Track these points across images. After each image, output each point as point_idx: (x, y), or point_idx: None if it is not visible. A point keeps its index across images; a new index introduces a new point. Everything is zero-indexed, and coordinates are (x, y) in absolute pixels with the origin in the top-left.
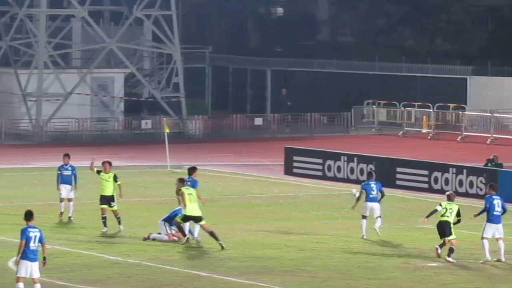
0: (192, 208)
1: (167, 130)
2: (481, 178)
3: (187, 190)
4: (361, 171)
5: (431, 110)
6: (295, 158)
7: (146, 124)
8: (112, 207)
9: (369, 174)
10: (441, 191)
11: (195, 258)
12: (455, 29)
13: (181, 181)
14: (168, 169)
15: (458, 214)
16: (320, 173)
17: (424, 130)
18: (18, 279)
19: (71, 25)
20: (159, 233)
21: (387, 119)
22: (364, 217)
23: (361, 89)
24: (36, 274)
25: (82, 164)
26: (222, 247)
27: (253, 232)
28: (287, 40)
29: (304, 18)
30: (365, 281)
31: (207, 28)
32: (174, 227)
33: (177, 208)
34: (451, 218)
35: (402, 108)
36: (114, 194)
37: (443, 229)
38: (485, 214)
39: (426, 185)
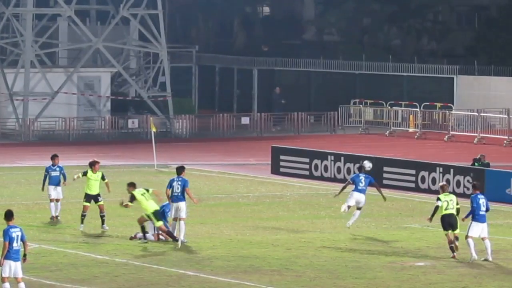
0: (152, 204)
1: (153, 130)
2: (468, 178)
3: (139, 192)
4: (348, 170)
5: (417, 110)
6: (282, 157)
7: (133, 123)
8: (99, 201)
9: (360, 168)
10: (428, 191)
11: (182, 258)
12: (441, 28)
13: (131, 185)
14: (155, 168)
15: (457, 203)
16: (307, 173)
17: (411, 130)
18: (3, 279)
19: (57, 24)
20: (147, 232)
21: (373, 119)
22: (348, 207)
23: (348, 88)
24: (20, 274)
25: (69, 163)
26: (179, 243)
27: (240, 232)
28: (273, 39)
29: (290, 17)
30: (352, 280)
31: (193, 28)
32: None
33: (164, 204)
34: (454, 210)
35: (389, 107)
36: (100, 192)
37: (450, 222)
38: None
39: (413, 185)
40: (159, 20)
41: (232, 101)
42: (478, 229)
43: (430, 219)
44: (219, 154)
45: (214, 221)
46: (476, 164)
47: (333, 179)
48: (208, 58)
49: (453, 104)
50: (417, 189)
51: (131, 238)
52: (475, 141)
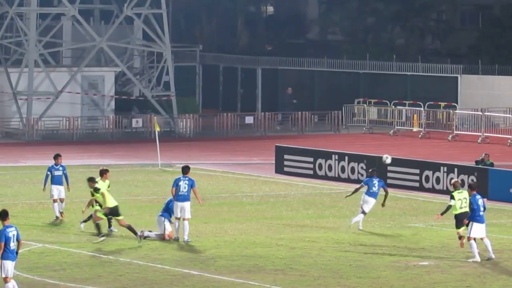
0: (113, 200)
1: (157, 129)
2: (472, 177)
3: (105, 185)
4: (352, 170)
5: (421, 109)
6: (286, 156)
7: (137, 122)
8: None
9: (372, 172)
10: (432, 190)
11: (186, 257)
12: (445, 27)
13: (91, 180)
14: (159, 167)
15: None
16: (311, 172)
17: (415, 129)
18: (6, 280)
19: (61, 23)
20: (150, 231)
21: (377, 118)
22: (364, 213)
23: (352, 87)
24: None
25: (73, 163)
26: (139, 239)
27: (243, 231)
28: (277, 38)
29: (294, 16)
30: (356, 279)
31: (197, 27)
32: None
33: (168, 199)
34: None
35: (393, 106)
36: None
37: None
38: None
39: (417, 184)
40: (163, 19)
41: (236, 100)
42: (479, 230)
43: (442, 214)
44: (223, 153)
45: (218, 220)
46: (478, 165)
47: (337, 179)
48: (212, 58)
49: (457, 103)
50: (421, 189)
51: (140, 237)
52: (479, 141)
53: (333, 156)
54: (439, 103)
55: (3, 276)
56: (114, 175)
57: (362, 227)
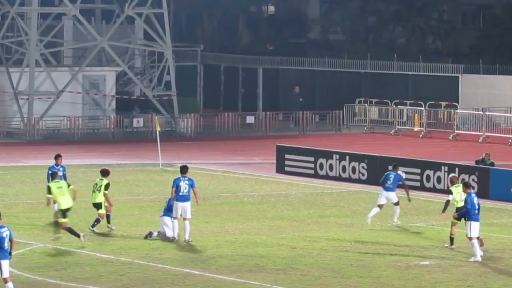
0: (66, 201)
1: (158, 128)
2: (473, 177)
3: (56, 184)
4: (353, 169)
5: (422, 108)
6: (287, 156)
7: (138, 122)
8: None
9: (394, 166)
10: (433, 190)
11: (187, 257)
12: (446, 27)
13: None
14: (160, 167)
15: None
16: (312, 172)
17: (416, 129)
18: (5, 280)
19: (62, 23)
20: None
21: (378, 118)
22: (379, 206)
23: (353, 87)
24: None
25: (74, 162)
26: (82, 240)
27: (245, 231)
28: (278, 38)
29: (295, 16)
30: (357, 279)
31: (198, 26)
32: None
33: (169, 198)
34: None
35: (394, 106)
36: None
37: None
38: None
39: (418, 183)
40: (164, 19)
41: (237, 100)
42: (478, 229)
43: (443, 212)
44: (224, 153)
45: (219, 220)
46: (479, 165)
47: (338, 178)
48: (213, 57)
49: (458, 103)
50: (422, 188)
51: (146, 237)
52: (480, 140)
53: (334, 155)
54: (440, 102)
55: (3, 277)
56: (116, 175)
57: (396, 222)
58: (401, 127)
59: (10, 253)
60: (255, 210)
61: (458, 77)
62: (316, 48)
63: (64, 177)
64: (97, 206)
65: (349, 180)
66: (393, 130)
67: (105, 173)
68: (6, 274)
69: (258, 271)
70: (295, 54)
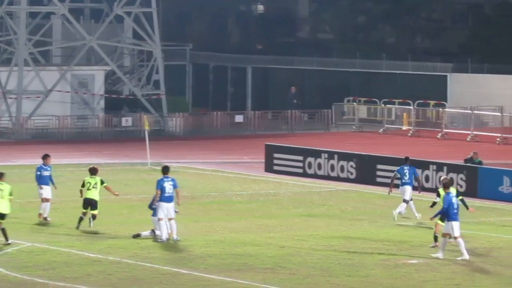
0: (4, 206)
1: (147, 128)
2: (461, 175)
3: (0, 186)
4: (342, 168)
5: (411, 107)
6: (276, 155)
7: (127, 121)
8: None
9: (406, 159)
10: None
11: (175, 256)
12: (435, 26)
13: (1, 175)
14: (149, 166)
15: (457, 195)
16: (300, 170)
17: (404, 127)
18: None
19: (51, 22)
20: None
21: (367, 116)
22: (405, 201)
23: (342, 86)
24: None
25: (63, 161)
26: (9, 242)
27: (233, 230)
28: (267, 37)
29: (284, 15)
30: (345, 278)
31: (187, 26)
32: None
33: (152, 199)
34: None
35: (383, 105)
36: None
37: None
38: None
39: None
40: (153, 18)
41: (226, 99)
42: (455, 227)
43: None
44: (213, 152)
45: (208, 219)
46: (467, 163)
47: (327, 177)
48: (202, 56)
49: (446, 102)
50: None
51: (134, 237)
52: (468, 139)
53: (322, 154)
54: (429, 101)
55: None
56: (104, 174)
57: (396, 218)
58: (390, 126)
59: None
60: (244, 209)
61: (447, 76)
62: (306, 47)
63: (50, 177)
64: (92, 203)
65: (337, 179)
66: (381, 129)
67: (94, 171)
68: None
69: (246, 270)
70: (284, 53)
